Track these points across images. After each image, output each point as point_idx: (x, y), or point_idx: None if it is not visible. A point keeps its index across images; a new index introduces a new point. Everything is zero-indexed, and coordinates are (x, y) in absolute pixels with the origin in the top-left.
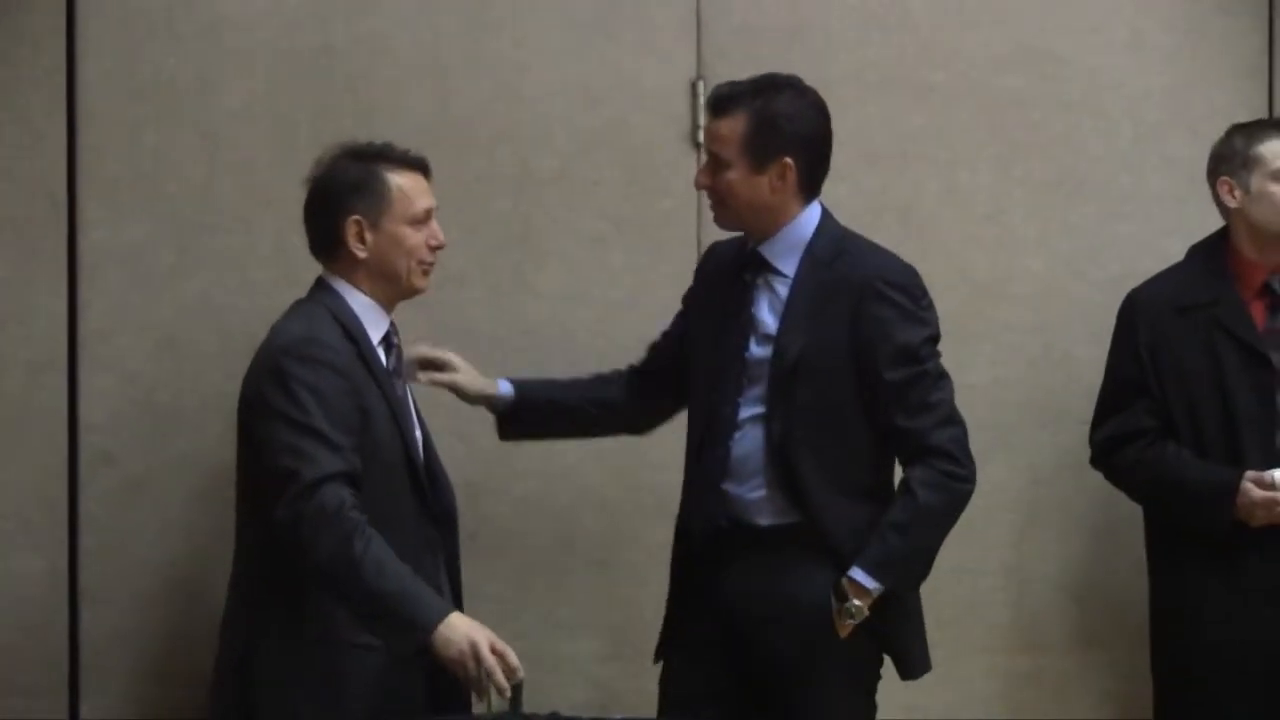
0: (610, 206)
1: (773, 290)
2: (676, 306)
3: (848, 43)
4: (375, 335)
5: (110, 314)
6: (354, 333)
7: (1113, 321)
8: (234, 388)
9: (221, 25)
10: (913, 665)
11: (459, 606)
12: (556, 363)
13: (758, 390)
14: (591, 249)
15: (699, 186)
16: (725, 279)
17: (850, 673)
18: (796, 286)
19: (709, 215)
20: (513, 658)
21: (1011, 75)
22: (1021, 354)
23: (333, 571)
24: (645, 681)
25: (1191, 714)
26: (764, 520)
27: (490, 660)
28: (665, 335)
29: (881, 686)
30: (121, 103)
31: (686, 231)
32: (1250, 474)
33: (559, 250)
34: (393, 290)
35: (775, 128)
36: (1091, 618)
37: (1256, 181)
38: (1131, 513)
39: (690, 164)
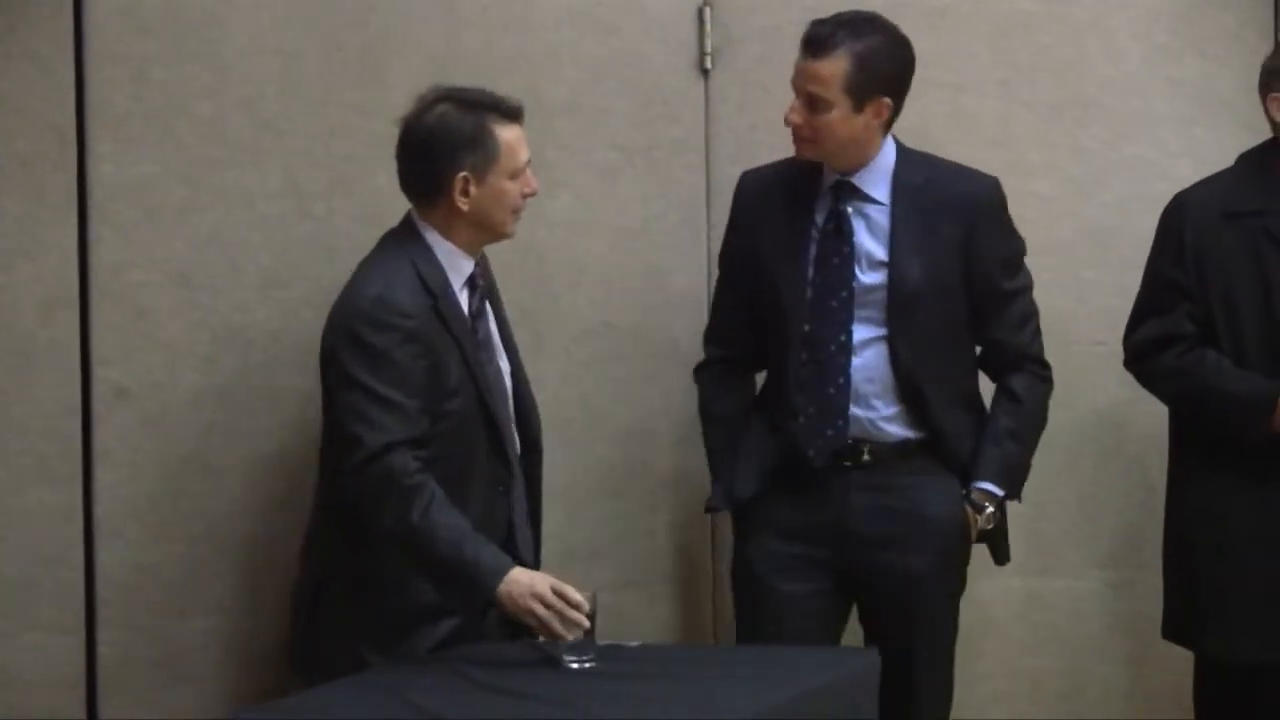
0: (620, 135)
1: (867, 217)
2: (686, 234)
3: None
4: (458, 281)
5: (121, 249)
6: (434, 286)
7: (1120, 243)
8: (246, 321)
9: None
10: (1005, 553)
11: (538, 534)
12: (566, 291)
13: (871, 314)
14: (601, 178)
15: (790, 124)
16: (791, 209)
17: (960, 585)
18: (897, 212)
19: (718, 143)
20: (574, 595)
21: None
22: (1030, 277)
23: (396, 538)
24: (659, 609)
25: (1208, 626)
26: (893, 437)
27: (545, 613)
28: (731, 312)
29: None
30: (129, 38)
31: (695, 159)
32: None
33: (569, 179)
34: (485, 237)
35: (875, 70)
36: (1102, 540)
37: None
38: (1141, 434)
39: (699, 91)
